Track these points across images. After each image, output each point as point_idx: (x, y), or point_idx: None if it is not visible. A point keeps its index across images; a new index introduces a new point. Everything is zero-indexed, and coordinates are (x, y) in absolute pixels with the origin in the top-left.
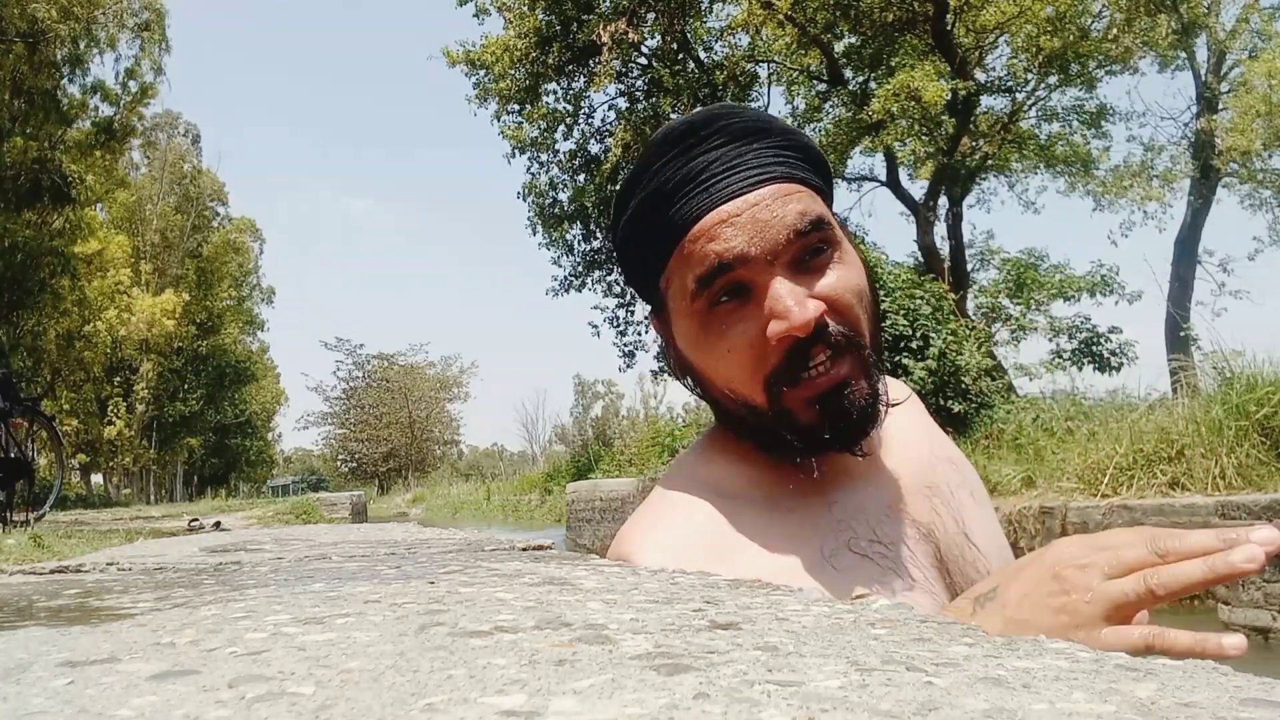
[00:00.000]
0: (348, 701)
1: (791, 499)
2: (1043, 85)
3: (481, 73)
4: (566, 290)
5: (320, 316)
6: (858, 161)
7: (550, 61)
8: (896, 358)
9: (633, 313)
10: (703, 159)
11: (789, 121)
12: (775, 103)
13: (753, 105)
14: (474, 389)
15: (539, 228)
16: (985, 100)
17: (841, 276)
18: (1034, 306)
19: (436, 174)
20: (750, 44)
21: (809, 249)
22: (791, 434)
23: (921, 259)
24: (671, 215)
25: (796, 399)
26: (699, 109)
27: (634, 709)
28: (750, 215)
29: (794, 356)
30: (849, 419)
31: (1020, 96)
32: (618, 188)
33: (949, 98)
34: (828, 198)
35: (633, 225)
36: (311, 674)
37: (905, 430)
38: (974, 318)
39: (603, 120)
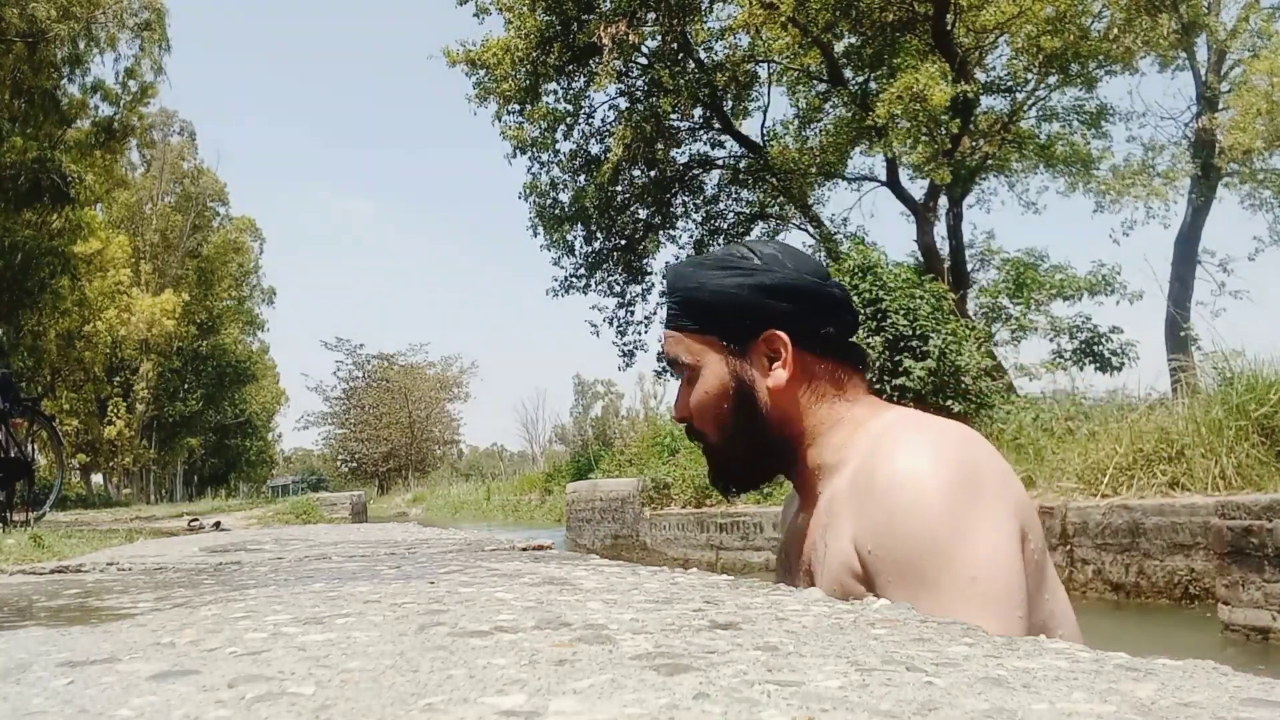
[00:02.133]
0: (348, 701)
1: (789, 542)
2: (1043, 85)
3: (482, 73)
4: (568, 291)
5: (320, 316)
6: (858, 161)
7: (550, 61)
8: (896, 358)
9: (632, 313)
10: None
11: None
12: (776, 103)
13: (752, 121)
14: (474, 389)
15: (540, 228)
16: (985, 100)
17: (693, 397)
18: (1034, 306)
19: (437, 174)
20: (750, 44)
21: (683, 375)
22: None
23: (921, 259)
24: None
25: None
26: (672, 263)
27: (634, 709)
28: (664, 338)
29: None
30: (712, 483)
31: (1020, 96)
32: None
33: (955, 100)
34: (719, 331)
35: None
36: (311, 674)
37: (843, 499)
38: (974, 318)
39: (603, 120)
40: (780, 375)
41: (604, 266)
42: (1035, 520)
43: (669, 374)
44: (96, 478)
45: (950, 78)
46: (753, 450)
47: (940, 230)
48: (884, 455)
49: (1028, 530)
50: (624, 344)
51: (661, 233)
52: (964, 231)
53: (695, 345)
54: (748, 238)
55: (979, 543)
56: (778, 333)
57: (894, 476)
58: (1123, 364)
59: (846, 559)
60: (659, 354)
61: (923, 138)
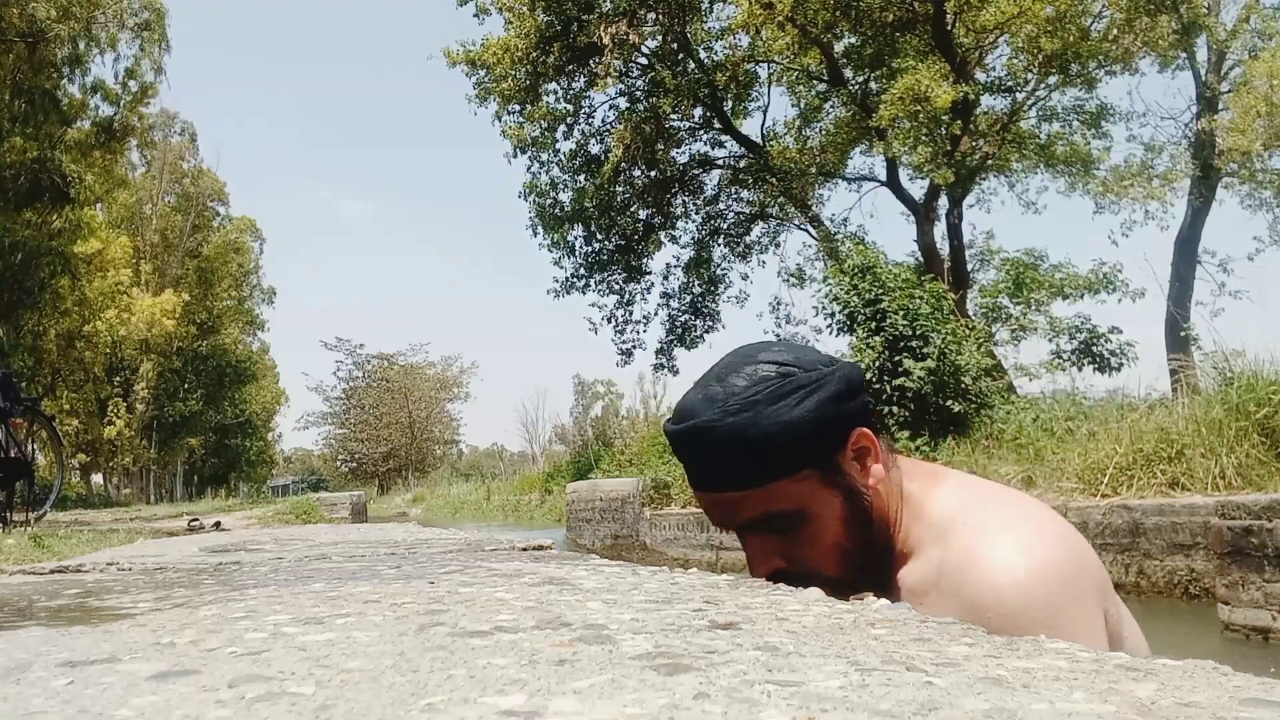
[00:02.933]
0: (348, 701)
1: None
2: (1043, 85)
3: (482, 73)
4: (568, 291)
5: (320, 316)
6: (858, 161)
7: (550, 62)
8: (896, 358)
9: (631, 313)
10: (687, 461)
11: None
12: (776, 103)
13: (752, 121)
14: (474, 389)
15: (540, 228)
16: (985, 100)
17: (799, 546)
18: (1034, 306)
19: (437, 174)
20: (750, 44)
21: (773, 527)
22: None
23: (921, 259)
24: None
25: None
26: (678, 412)
27: (634, 709)
28: (721, 505)
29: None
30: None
31: (1020, 96)
32: None
33: (956, 101)
34: (815, 464)
35: None
36: (311, 674)
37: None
38: (974, 318)
39: (603, 120)
40: (879, 471)
41: (604, 267)
42: (1109, 586)
43: (726, 528)
44: (96, 478)
45: (951, 79)
46: (877, 562)
47: (940, 230)
48: (969, 556)
49: (1107, 604)
50: (622, 342)
51: (661, 233)
52: (964, 231)
53: (790, 491)
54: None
55: (1069, 609)
56: (861, 430)
57: (984, 585)
58: (1121, 364)
59: None
60: (688, 459)
61: (923, 139)
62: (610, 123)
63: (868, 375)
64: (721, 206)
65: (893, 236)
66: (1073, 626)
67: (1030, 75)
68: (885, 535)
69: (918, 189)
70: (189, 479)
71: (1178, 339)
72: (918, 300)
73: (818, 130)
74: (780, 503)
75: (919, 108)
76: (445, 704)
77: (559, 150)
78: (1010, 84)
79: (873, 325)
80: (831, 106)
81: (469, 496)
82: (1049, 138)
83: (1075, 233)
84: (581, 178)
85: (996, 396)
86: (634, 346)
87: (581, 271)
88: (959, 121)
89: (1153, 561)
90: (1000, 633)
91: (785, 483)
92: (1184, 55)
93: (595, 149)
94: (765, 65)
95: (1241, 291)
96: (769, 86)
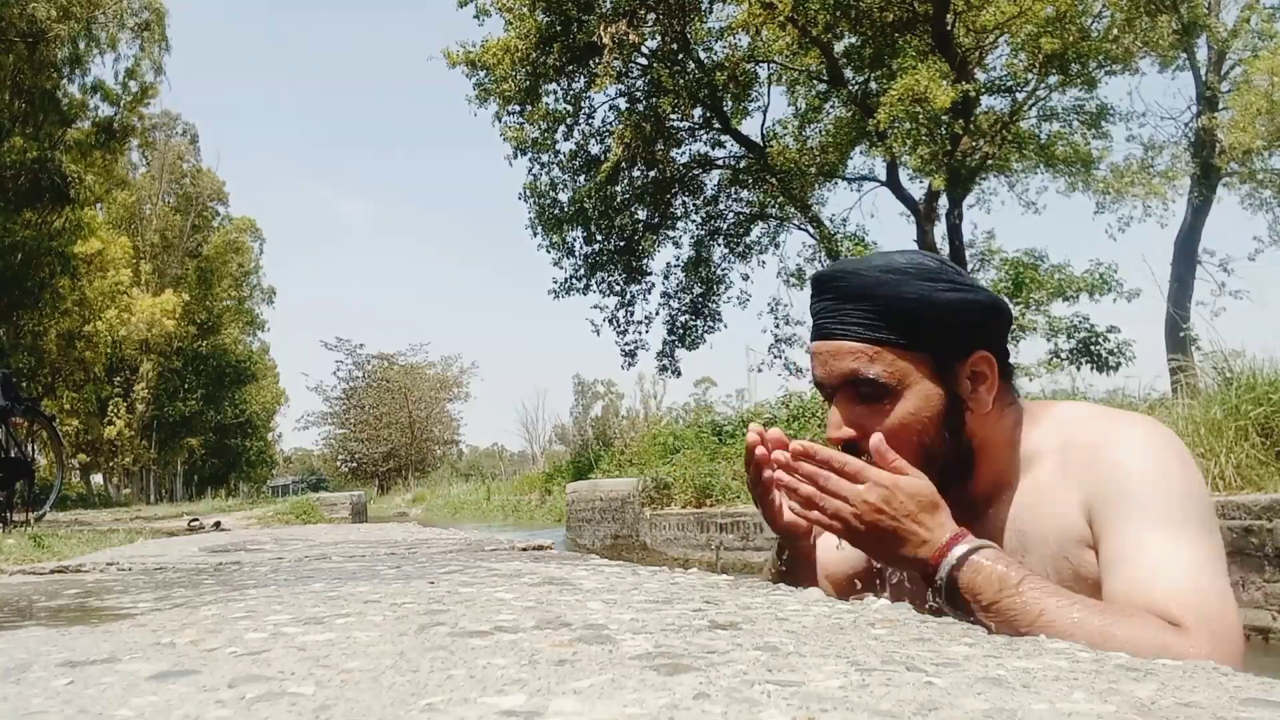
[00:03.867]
0: (348, 701)
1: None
2: (1043, 85)
3: (482, 73)
4: (568, 292)
5: (320, 316)
6: (858, 161)
7: (550, 62)
8: None
9: (632, 313)
10: (819, 304)
11: (798, 142)
12: (776, 103)
13: (752, 122)
14: (474, 389)
15: (540, 229)
16: (985, 100)
17: (885, 417)
18: (1033, 306)
19: (437, 174)
20: (750, 44)
21: (860, 393)
22: None
23: None
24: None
25: None
26: (834, 263)
27: (634, 709)
28: (825, 356)
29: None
30: None
31: (1020, 96)
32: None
33: (956, 101)
34: (932, 348)
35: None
36: (311, 674)
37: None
38: None
39: (603, 121)
40: (986, 400)
41: (604, 267)
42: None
43: (821, 393)
44: (96, 478)
45: (951, 79)
46: (944, 474)
47: (940, 230)
48: (1100, 434)
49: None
50: (625, 343)
51: (661, 233)
52: (964, 231)
53: (899, 362)
54: (746, 237)
55: (1191, 480)
56: (987, 354)
57: (1120, 444)
58: (1119, 364)
59: (1074, 531)
60: (757, 365)
61: (923, 139)
62: (610, 123)
63: None
64: (721, 207)
65: (893, 236)
66: (1190, 471)
67: (1030, 75)
68: (965, 460)
69: (918, 189)
70: (189, 479)
71: (1177, 339)
72: None
73: (817, 130)
74: (884, 369)
75: (918, 108)
76: (445, 704)
77: (559, 151)
78: (1010, 84)
79: None
80: (831, 107)
81: (469, 497)
82: (1049, 138)
83: (1075, 233)
84: (581, 178)
85: None
86: (637, 347)
87: (581, 272)
88: (960, 121)
89: None
90: (1136, 466)
91: (898, 352)
92: (1184, 55)
93: (595, 149)
94: (765, 65)
95: (1241, 291)
96: (769, 86)
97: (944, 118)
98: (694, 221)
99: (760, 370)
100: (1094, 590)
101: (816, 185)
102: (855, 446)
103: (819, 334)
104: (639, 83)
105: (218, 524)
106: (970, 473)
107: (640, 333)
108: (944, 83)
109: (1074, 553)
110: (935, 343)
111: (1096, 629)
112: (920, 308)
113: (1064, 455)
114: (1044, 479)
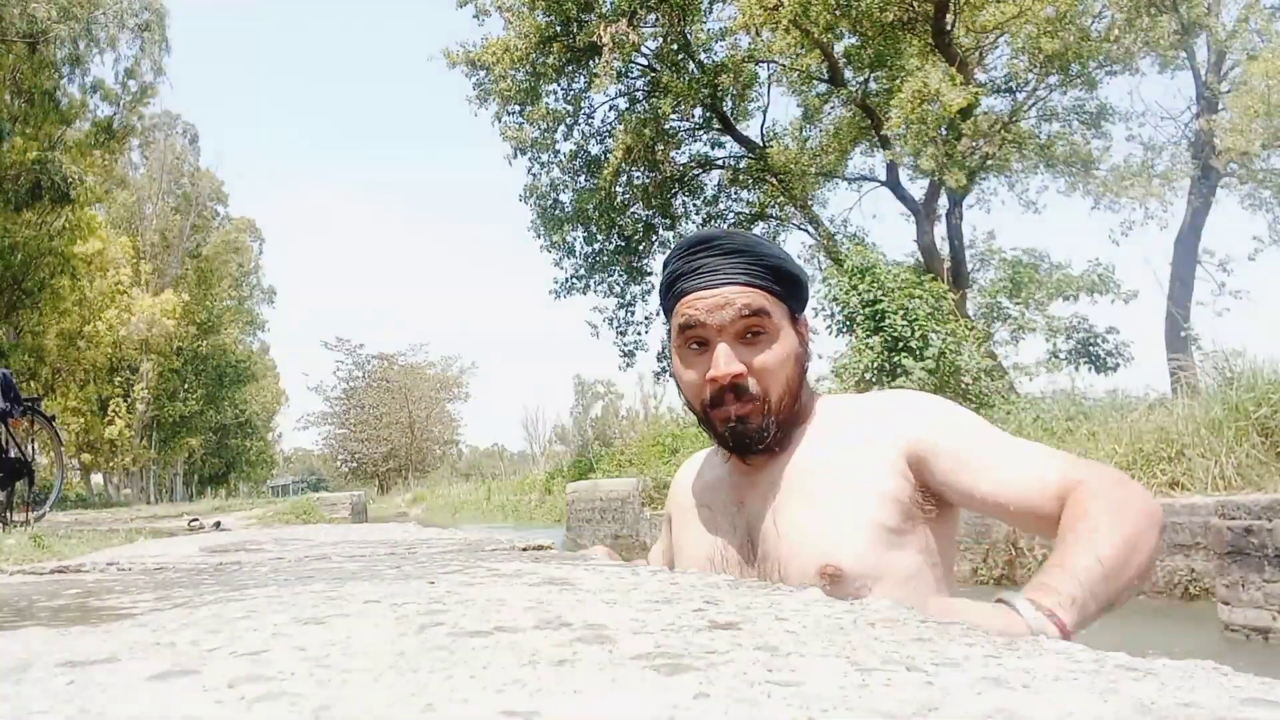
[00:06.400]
0: (348, 701)
1: (719, 500)
2: (1043, 85)
3: (482, 73)
4: (569, 293)
5: (320, 316)
6: (858, 162)
7: (550, 62)
8: (895, 358)
9: (632, 314)
10: (698, 261)
11: (792, 144)
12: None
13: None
14: (474, 389)
15: (540, 230)
16: (985, 100)
17: (766, 354)
18: (1033, 306)
19: (437, 174)
20: (750, 45)
21: (748, 330)
22: (713, 438)
23: (921, 259)
24: (676, 289)
25: (716, 418)
26: (703, 230)
27: (634, 709)
28: (712, 301)
29: (717, 393)
30: (740, 440)
31: (1020, 97)
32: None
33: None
34: (789, 302)
35: (662, 285)
36: (311, 674)
37: (820, 438)
38: (974, 318)
39: (603, 121)
40: (810, 355)
41: (604, 267)
42: None
43: (691, 343)
44: (96, 478)
45: (958, 80)
46: (790, 417)
47: (940, 230)
48: (888, 394)
49: None
50: (624, 344)
51: (662, 233)
52: (964, 231)
53: (776, 306)
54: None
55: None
56: (806, 319)
57: (917, 396)
58: (1118, 364)
59: (894, 467)
60: (683, 324)
61: (933, 138)
62: (610, 123)
63: (866, 376)
64: (721, 207)
65: (893, 236)
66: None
67: (1030, 75)
68: (801, 402)
69: (918, 189)
70: (189, 479)
71: (1177, 339)
72: (917, 301)
73: (818, 131)
74: (766, 307)
75: (928, 109)
76: (445, 704)
77: (559, 151)
78: (1010, 84)
79: (871, 326)
80: (832, 107)
81: (469, 497)
82: (1049, 138)
83: (1075, 233)
84: (582, 178)
85: (996, 396)
86: (636, 348)
87: (582, 272)
88: (967, 121)
89: None
90: (955, 411)
91: (773, 299)
92: (1184, 55)
93: (595, 150)
94: (765, 66)
95: (1241, 291)
96: (769, 87)
97: (954, 119)
98: (694, 222)
99: None
100: (891, 502)
101: (816, 185)
102: (744, 386)
103: (705, 285)
104: (639, 83)
105: (218, 524)
106: (801, 419)
107: (640, 334)
108: (954, 84)
109: (899, 487)
110: (792, 297)
111: (1116, 522)
112: (782, 265)
113: (856, 407)
114: (850, 442)
